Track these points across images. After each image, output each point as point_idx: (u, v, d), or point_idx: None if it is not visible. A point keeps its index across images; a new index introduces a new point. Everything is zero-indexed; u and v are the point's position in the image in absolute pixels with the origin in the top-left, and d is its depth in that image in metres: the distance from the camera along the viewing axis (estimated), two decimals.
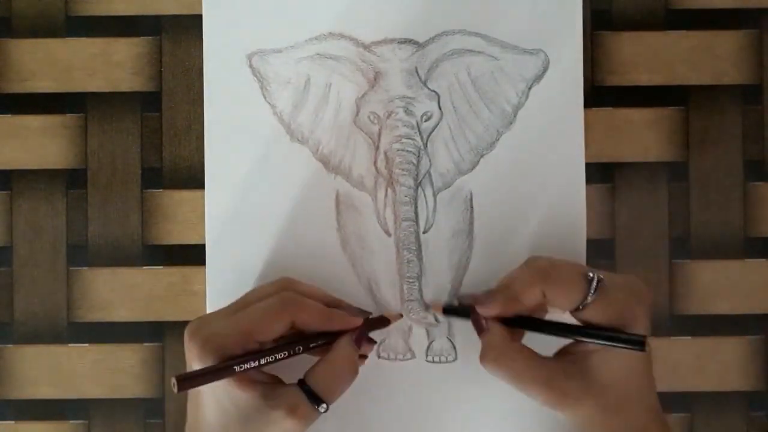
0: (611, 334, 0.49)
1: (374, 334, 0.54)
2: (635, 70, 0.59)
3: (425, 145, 0.57)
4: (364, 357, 0.54)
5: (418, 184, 0.57)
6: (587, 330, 0.50)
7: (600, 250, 0.58)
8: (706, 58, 0.59)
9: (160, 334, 0.58)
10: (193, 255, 0.58)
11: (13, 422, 0.58)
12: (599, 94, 0.58)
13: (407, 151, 0.56)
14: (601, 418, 0.50)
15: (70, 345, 0.58)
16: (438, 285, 0.57)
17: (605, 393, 0.50)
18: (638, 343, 0.48)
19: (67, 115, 0.59)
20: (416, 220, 0.57)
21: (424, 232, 0.57)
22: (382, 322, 0.55)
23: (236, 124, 0.57)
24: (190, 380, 0.47)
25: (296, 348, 0.50)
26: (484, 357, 0.51)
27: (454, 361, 0.57)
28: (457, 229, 0.57)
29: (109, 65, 0.59)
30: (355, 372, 0.51)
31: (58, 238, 0.58)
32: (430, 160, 0.57)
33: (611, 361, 0.50)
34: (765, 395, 0.58)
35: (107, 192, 0.59)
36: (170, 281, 0.58)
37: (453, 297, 0.57)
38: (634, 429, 0.50)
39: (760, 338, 0.58)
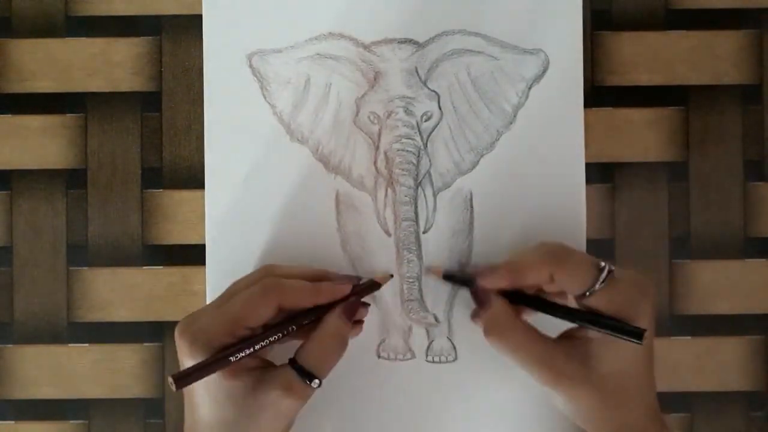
0: (613, 323, 0.49)
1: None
2: (635, 70, 0.59)
3: (425, 145, 0.57)
4: (359, 323, 0.54)
5: (418, 184, 0.57)
6: (590, 316, 0.50)
7: (600, 250, 0.58)
8: (706, 58, 0.59)
9: (160, 334, 0.58)
10: (193, 255, 0.58)
11: (13, 422, 0.58)
12: (599, 94, 0.58)
13: (407, 151, 0.56)
14: (599, 409, 0.50)
15: (70, 345, 0.58)
16: (438, 285, 0.57)
17: (604, 383, 0.50)
18: (638, 336, 0.48)
19: (67, 115, 0.59)
20: (416, 220, 0.57)
21: (424, 232, 0.57)
22: (373, 286, 0.55)
23: (236, 124, 0.57)
24: (187, 377, 0.47)
25: (289, 328, 0.50)
26: (486, 329, 0.51)
27: (454, 361, 0.57)
28: (457, 229, 0.57)
29: (109, 65, 0.59)
30: (344, 345, 0.52)
31: (58, 238, 0.58)
32: (430, 160, 0.57)
33: (611, 351, 0.50)
34: (765, 395, 0.58)
35: (107, 192, 0.59)
36: (170, 281, 0.58)
37: (453, 296, 0.57)
38: (630, 426, 0.50)
39: (760, 338, 0.58)
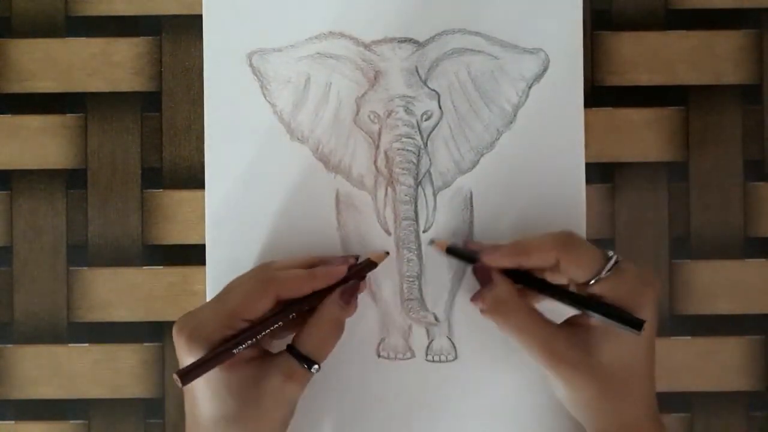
0: (613, 311, 0.49)
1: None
2: (635, 70, 0.59)
3: (425, 144, 0.57)
4: (354, 301, 0.53)
5: (418, 183, 0.57)
6: (591, 302, 0.50)
7: None
8: (706, 58, 0.59)
9: (160, 334, 0.58)
10: (193, 255, 0.58)
11: (13, 422, 0.58)
12: (599, 94, 0.58)
13: (407, 150, 0.56)
14: (596, 399, 0.50)
15: (70, 345, 0.58)
16: (438, 284, 0.57)
17: (603, 372, 0.50)
18: (637, 326, 0.49)
19: (67, 115, 0.59)
20: (416, 219, 0.57)
21: (424, 231, 0.57)
22: (370, 266, 0.55)
23: (236, 123, 0.57)
24: (192, 372, 0.47)
25: (289, 314, 0.51)
26: (489, 307, 0.52)
27: (453, 360, 0.57)
28: (457, 229, 0.57)
29: (109, 65, 0.59)
30: (341, 329, 0.52)
31: (58, 238, 0.58)
32: (430, 159, 0.57)
33: (613, 341, 0.50)
34: (765, 395, 0.58)
35: (107, 192, 0.59)
36: (170, 281, 0.58)
37: (452, 296, 0.57)
38: (627, 422, 0.50)
39: (760, 338, 0.58)
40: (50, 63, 0.59)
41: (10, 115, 0.58)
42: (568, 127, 0.57)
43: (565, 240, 0.51)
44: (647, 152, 0.58)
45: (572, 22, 0.57)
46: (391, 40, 0.57)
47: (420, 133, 0.57)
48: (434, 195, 0.57)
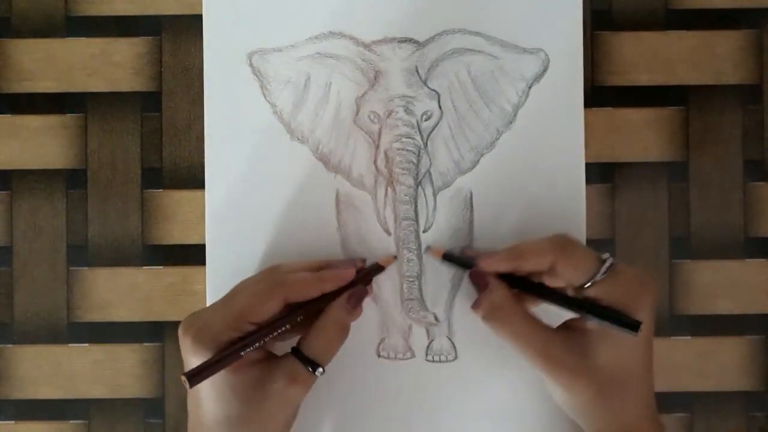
0: (609, 313, 0.49)
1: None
2: (635, 70, 0.59)
3: (425, 144, 0.57)
4: (359, 306, 0.53)
5: (418, 183, 0.57)
6: (587, 305, 0.50)
7: (600, 250, 0.57)
8: (706, 58, 0.59)
9: (160, 334, 0.58)
10: (193, 255, 0.58)
11: (13, 422, 0.58)
12: (599, 94, 0.58)
13: (407, 150, 0.56)
14: (594, 401, 0.50)
15: (70, 345, 0.58)
16: (438, 284, 0.57)
17: (601, 375, 0.50)
18: (633, 327, 0.49)
19: (67, 115, 0.59)
20: (416, 219, 0.57)
21: (424, 231, 0.57)
22: (377, 269, 0.55)
23: (236, 123, 0.57)
24: (200, 374, 0.47)
25: (297, 318, 0.51)
26: (486, 313, 0.52)
27: (453, 360, 0.57)
28: (457, 229, 0.57)
29: (109, 65, 0.59)
30: (345, 333, 0.52)
31: (58, 238, 0.58)
32: (430, 159, 0.57)
33: (610, 344, 0.50)
34: (765, 395, 0.58)
35: (107, 192, 0.59)
36: (170, 281, 0.58)
37: (452, 296, 0.57)
38: (625, 423, 0.50)
39: (760, 338, 0.58)
40: (50, 63, 0.59)
41: (10, 115, 0.58)
42: (568, 127, 0.57)
43: (561, 243, 0.51)
44: (647, 152, 0.58)
45: (572, 22, 0.57)
46: (391, 40, 0.57)
47: (420, 133, 0.57)
48: (434, 195, 0.57)
